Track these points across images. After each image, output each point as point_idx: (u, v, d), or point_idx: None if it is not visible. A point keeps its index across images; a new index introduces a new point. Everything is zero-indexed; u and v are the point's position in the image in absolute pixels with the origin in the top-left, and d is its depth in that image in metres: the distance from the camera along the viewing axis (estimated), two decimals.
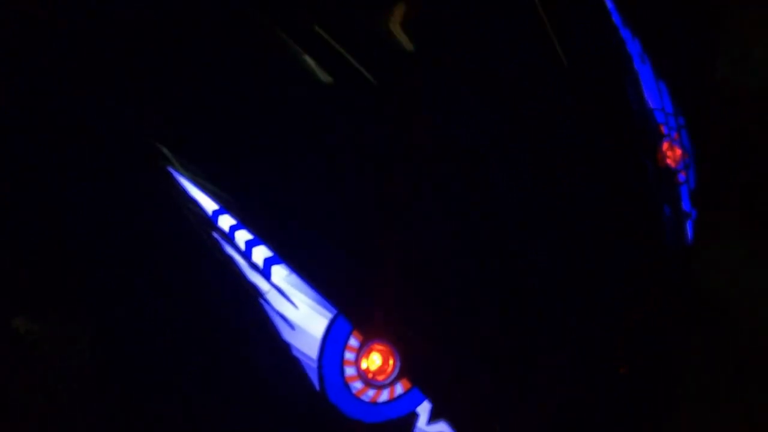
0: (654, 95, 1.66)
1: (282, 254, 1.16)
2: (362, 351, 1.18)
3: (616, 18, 1.67)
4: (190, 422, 1.20)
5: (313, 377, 1.15)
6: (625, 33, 1.67)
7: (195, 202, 1.16)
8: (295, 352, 1.15)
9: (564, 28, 1.56)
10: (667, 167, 1.63)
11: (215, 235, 1.15)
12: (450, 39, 1.45)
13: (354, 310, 1.17)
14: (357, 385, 1.17)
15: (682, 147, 1.65)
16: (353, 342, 1.18)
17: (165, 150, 1.18)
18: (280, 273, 1.16)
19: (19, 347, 1.60)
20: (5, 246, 1.58)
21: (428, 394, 1.21)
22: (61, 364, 1.60)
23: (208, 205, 1.17)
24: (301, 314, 1.16)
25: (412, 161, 1.29)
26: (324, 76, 1.29)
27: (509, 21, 1.53)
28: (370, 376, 1.19)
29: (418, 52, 1.39)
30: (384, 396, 1.19)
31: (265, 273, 1.15)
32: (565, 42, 1.55)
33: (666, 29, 1.80)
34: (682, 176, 1.64)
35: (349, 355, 1.17)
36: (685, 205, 1.64)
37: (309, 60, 1.29)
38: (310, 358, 1.15)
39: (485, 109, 1.42)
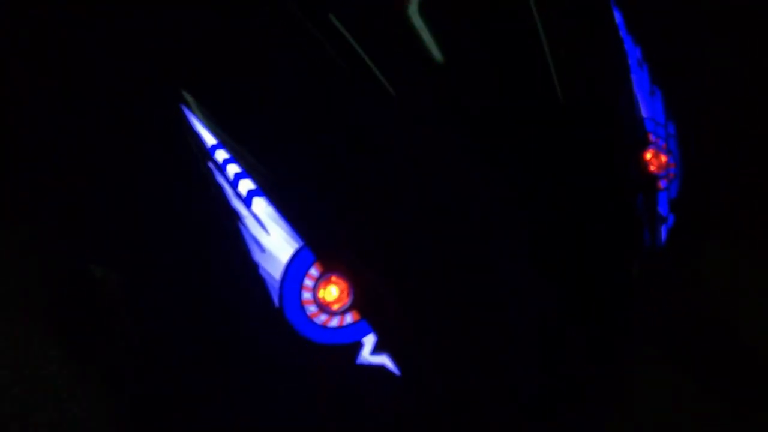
0: (647, 102, 1.77)
1: (264, 188, 1.36)
2: (320, 280, 1.36)
3: (620, 26, 1.79)
4: (168, 309, 1.42)
5: (274, 295, 1.34)
6: (627, 40, 1.79)
7: (198, 136, 1.38)
8: (261, 272, 1.35)
9: (563, 35, 1.69)
10: (648, 173, 1.73)
11: (210, 164, 1.37)
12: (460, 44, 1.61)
13: (318, 244, 1.36)
14: (311, 309, 1.36)
15: (668, 154, 1.75)
16: (314, 272, 1.36)
17: (182, 91, 1.41)
18: (260, 204, 1.36)
19: (95, 290, 1.78)
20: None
21: (374, 328, 1.38)
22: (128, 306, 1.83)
23: (209, 139, 1.39)
24: (272, 240, 1.35)
25: (384, 121, 1.46)
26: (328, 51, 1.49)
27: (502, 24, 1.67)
28: (324, 303, 1.37)
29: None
30: (334, 322, 1.37)
31: (247, 202, 1.36)
32: (562, 49, 1.68)
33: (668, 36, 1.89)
34: (663, 183, 1.74)
35: (308, 282, 1.36)
36: (663, 209, 1.73)
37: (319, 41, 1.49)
38: (273, 279, 1.34)
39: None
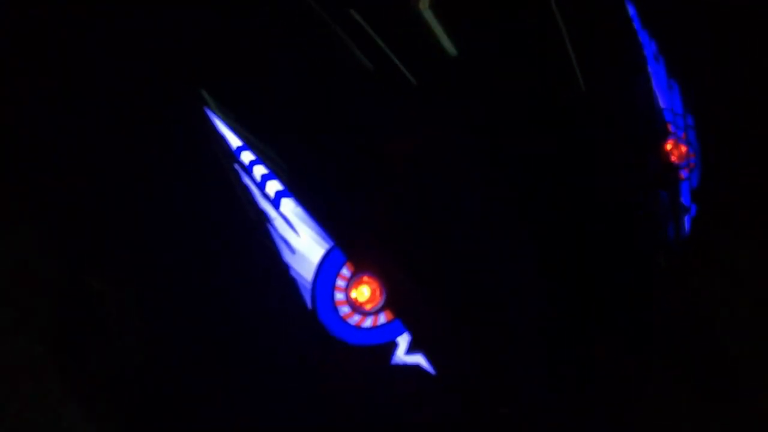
0: (665, 95, 1.77)
1: (292, 189, 1.34)
2: (353, 281, 1.34)
3: (635, 20, 1.80)
4: (194, 312, 1.39)
5: (306, 297, 1.32)
6: (642, 34, 1.79)
7: (223, 138, 1.36)
8: (292, 273, 1.32)
9: (582, 28, 1.69)
10: (670, 163, 1.73)
11: (236, 166, 1.35)
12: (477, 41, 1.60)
13: (349, 244, 1.34)
14: (345, 310, 1.33)
15: (688, 145, 1.75)
16: (345, 272, 1.34)
17: (205, 93, 1.39)
18: (288, 205, 1.34)
19: (90, 303, 1.78)
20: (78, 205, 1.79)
21: (408, 327, 1.35)
22: (120, 317, 1.77)
23: (234, 141, 1.36)
24: (302, 241, 1.33)
25: (416, 124, 1.45)
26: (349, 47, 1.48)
27: (523, 20, 1.67)
28: (357, 304, 1.34)
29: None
30: (368, 323, 1.34)
31: (275, 203, 1.34)
32: (582, 42, 1.67)
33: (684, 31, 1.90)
34: (685, 173, 1.74)
35: (340, 283, 1.34)
36: (685, 199, 1.73)
37: (340, 36, 1.48)
38: (305, 280, 1.32)
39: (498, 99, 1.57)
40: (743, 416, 1.80)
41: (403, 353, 1.36)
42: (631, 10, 1.81)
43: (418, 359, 1.36)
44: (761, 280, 2.11)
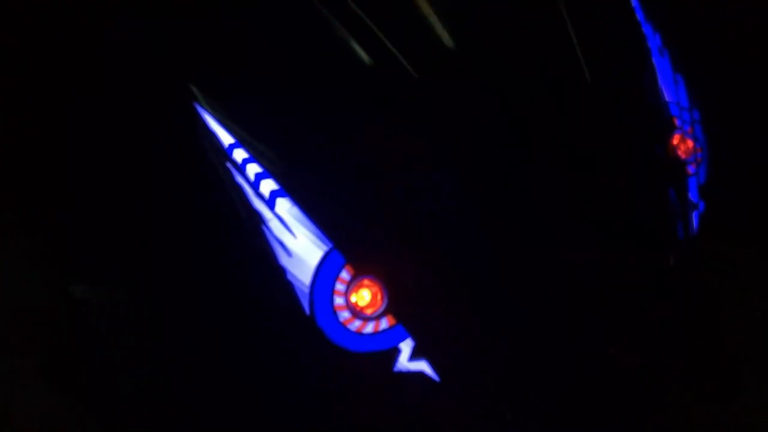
0: (670, 89, 1.72)
1: (287, 188, 1.28)
2: (352, 284, 1.27)
3: (639, 13, 1.74)
4: (191, 321, 1.32)
5: (304, 301, 1.25)
6: (646, 28, 1.74)
7: (214, 135, 1.29)
8: (289, 277, 1.25)
9: (586, 22, 1.63)
10: (678, 158, 1.68)
11: (228, 165, 1.28)
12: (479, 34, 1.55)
13: (349, 246, 1.27)
14: (344, 314, 1.27)
15: (695, 140, 1.70)
16: (345, 275, 1.27)
17: (195, 89, 1.32)
18: (283, 205, 1.27)
19: (75, 310, 1.72)
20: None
21: (411, 333, 1.29)
22: (108, 325, 1.71)
23: (226, 138, 1.30)
24: (299, 243, 1.26)
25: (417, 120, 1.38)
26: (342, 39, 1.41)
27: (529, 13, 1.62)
28: (358, 309, 1.28)
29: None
30: (369, 328, 1.28)
31: (270, 203, 1.27)
32: (586, 35, 1.62)
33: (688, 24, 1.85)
34: (692, 168, 1.69)
35: (339, 287, 1.27)
36: (693, 196, 1.67)
37: (338, 28, 1.42)
38: (303, 284, 1.25)
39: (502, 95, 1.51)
40: (744, 416, 1.77)
41: (406, 360, 1.29)
42: (634, 3, 1.76)
43: (422, 366, 1.30)
44: (750, 250, 2.07)
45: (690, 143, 1.69)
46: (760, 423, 1.77)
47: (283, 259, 1.26)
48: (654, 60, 1.71)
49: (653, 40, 1.74)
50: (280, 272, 1.25)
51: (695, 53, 1.86)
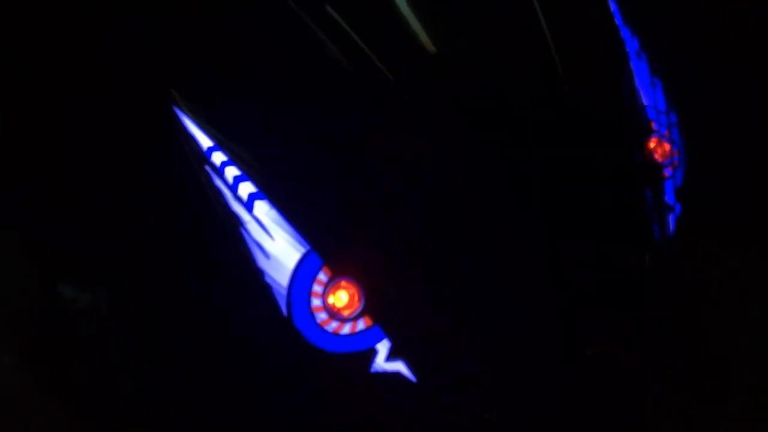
0: (648, 92, 1.74)
1: (265, 191, 1.29)
2: (330, 286, 1.29)
3: (617, 18, 1.76)
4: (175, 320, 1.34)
5: (282, 303, 1.27)
6: (624, 32, 1.76)
7: (193, 138, 1.31)
8: (267, 279, 1.27)
9: (563, 25, 1.65)
10: (654, 161, 1.70)
11: (207, 168, 1.29)
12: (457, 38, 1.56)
13: (326, 248, 1.29)
14: (322, 316, 1.28)
15: (672, 143, 1.72)
16: (322, 276, 1.29)
17: (174, 92, 1.33)
18: (262, 208, 1.29)
19: (64, 310, 1.71)
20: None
21: (388, 334, 1.31)
22: (96, 324, 1.71)
23: (205, 142, 1.31)
24: (277, 246, 1.28)
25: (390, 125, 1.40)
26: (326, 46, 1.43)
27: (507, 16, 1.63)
28: (335, 310, 1.29)
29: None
30: (346, 329, 1.29)
31: (248, 206, 1.28)
32: (564, 39, 1.64)
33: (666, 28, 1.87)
34: (668, 171, 1.71)
35: (317, 288, 1.29)
36: (669, 198, 1.70)
37: (316, 33, 1.43)
38: (280, 286, 1.27)
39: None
40: (735, 415, 1.78)
41: (383, 360, 1.31)
42: (612, 7, 1.77)
43: (399, 366, 1.32)
44: (749, 277, 2.08)
45: (667, 146, 1.71)
46: (756, 422, 1.77)
47: (261, 262, 1.27)
48: (632, 64, 1.74)
49: (631, 44, 1.76)
50: (258, 274, 1.27)
51: (694, 53, 1.88)
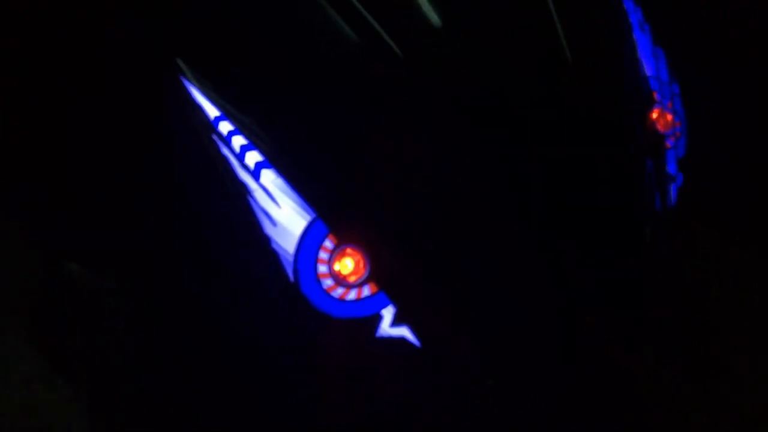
0: (650, 63, 1.75)
1: (272, 160, 1.31)
2: (336, 253, 1.31)
3: None
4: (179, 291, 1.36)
5: (289, 269, 1.29)
6: (627, 2, 1.76)
7: (200, 108, 1.32)
8: (274, 245, 1.29)
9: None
10: (656, 132, 1.71)
11: (214, 137, 1.31)
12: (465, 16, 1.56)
13: (331, 216, 1.31)
14: (328, 282, 1.31)
15: (674, 114, 1.73)
16: (328, 244, 1.31)
17: (181, 62, 1.35)
18: (268, 176, 1.31)
19: (70, 288, 1.74)
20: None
21: (393, 299, 1.33)
22: (102, 304, 1.73)
23: (212, 111, 1.33)
24: (284, 213, 1.30)
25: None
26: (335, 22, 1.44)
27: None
28: (341, 277, 1.32)
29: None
30: (352, 295, 1.32)
31: (255, 174, 1.31)
32: (567, 10, 1.64)
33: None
34: (670, 141, 1.72)
35: (323, 255, 1.31)
36: (671, 168, 1.71)
37: (325, 7, 1.44)
38: (287, 252, 1.29)
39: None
40: (735, 415, 1.79)
41: (388, 326, 1.34)
42: None
43: (403, 332, 1.34)
44: (749, 276, 2.08)
45: (669, 117, 1.72)
46: (756, 422, 1.77)
47: (268, 229, 1.29)
48: (635, 35, 1.74)
49: (634, 15, 1.76)
50: (266, 241, 1.29)
51: (694, 53, 1.88)
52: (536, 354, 1.45)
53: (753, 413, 1.77)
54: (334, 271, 1.31)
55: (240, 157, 1.31)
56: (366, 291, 1.33)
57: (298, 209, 1.31)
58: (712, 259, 2.11)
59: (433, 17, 1.53)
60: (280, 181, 1.31)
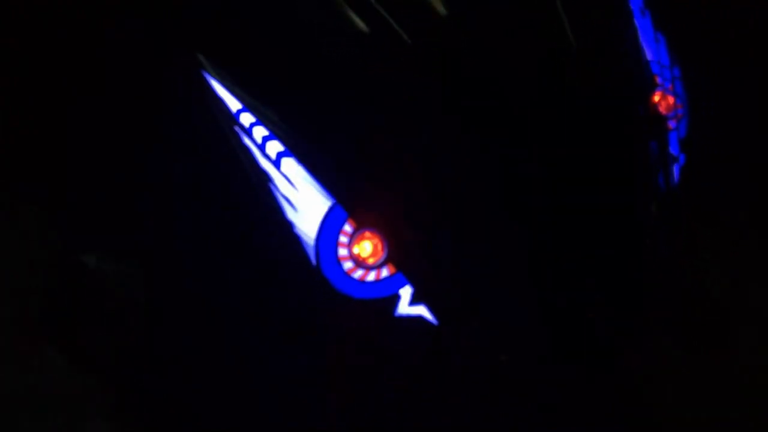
0: (652, 47, 1.80)
1: (292, 149, 1.37)
2: (355, 236, 1.38)
3: None
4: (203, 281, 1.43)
5: (310, 253, 1.36)
6: None
7: (222, 101, 1.38)
8: (296, 230, 1.36)
9: None
10: (659, 114, 1.77)
11: (236, 129, 1.37)
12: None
13: (350, 201, 1.37)
14: (348, 265, 1.37)
15: (675, 96, 1.79)
16: (347, 228, 1.38)
17: (201, 56, 1.41)
18: (289, 164, 1.37)
19: (88, 280, 1.76)
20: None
21: (410, 279, 1.40)
22: (121, 296, 1.75)
23: (233, 104, 1.39)
24: (305, 199, 1.36)
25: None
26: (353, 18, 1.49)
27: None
28: (360, 259, 1.38)
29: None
30: (371, 276, 1.38)
31: (276, 163, 1.37)
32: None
33: None
34: (672, 123, 1.78)
35: (343, 239, 1.37)
36: (674, 149, 1.77)
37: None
38: (308, 237, 1.36)
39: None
40: (735, 415, 1.81)
41: (406, 305, 1.40)
42: None
43: (421, 310, 1.41)
44: (749, 275, 2.12)
45: (671, 99, 1.78)
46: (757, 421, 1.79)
47: (290, 214, 1.36)
48: (636, 20, 1.79)
49: (636, 1, 1.81)
50: (288, 226, 1.35)
51: (694, 53, 1.92)
52: (536, 354, 1.50)
53: (754, 413, 1.80)
54: (354, 254, 1.38)
55: (261, 147, 1.37)
56: (384, 272, 1.39)
57: (318, 195, 1.37)
58: (712, 258, 2.15)
59: (441, 9, 1.58)
60: (300, 169, 1.37)
